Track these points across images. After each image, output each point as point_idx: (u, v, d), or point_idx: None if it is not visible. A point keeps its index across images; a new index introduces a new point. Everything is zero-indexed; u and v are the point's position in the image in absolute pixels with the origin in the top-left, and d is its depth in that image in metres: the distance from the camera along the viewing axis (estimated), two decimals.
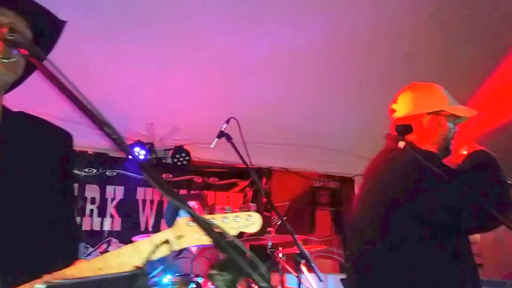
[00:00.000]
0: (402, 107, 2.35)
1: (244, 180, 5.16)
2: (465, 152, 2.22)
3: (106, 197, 4.93)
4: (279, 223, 5.09)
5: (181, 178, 5.19)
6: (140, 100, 4.32)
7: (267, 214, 5.06)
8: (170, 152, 4.85)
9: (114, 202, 4.99)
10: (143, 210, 5.08)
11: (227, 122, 3.52)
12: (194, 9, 3.68)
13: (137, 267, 1.29)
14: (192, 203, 3.92)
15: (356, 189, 5.77)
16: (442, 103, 2.29)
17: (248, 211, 1.37)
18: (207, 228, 1.02)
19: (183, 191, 5.11)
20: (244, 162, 3.26)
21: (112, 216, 4.93)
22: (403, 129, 2.24)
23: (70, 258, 1.44)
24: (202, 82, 4.25)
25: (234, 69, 4.20)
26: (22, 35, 1.29)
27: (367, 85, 4.75)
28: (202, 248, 3.59)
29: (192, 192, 4.56)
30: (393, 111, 2.38)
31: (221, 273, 1.07)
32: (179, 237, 1.33)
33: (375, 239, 2.15)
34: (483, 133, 5.02)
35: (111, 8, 3.51)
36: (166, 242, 1.33)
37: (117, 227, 4.96)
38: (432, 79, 4.64)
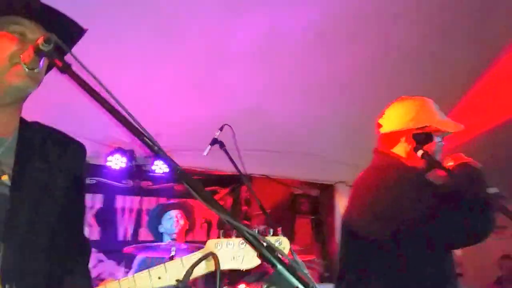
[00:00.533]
0: (389, 122, 2.37)
1: (224, 188, 5.14)
2: (450, 164, 2.24)
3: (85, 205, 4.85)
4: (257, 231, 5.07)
5: (161, 186, 5.13)
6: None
7: (247, 222, 5.04)
8: (151, 159, 4.79)
9: (93, 211, 4.92)
10: (122, 218, 5.02)
11: (221, 129, 3.54)
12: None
13: (179, 281, 1.35)
14: (175, 212, 3.90)
15: (336, 197, 5.80)
16: (430, 118, 2.30)
17: (276, 235, 1.37)
18: (256, 243, 1.07)
19: (162, 199, 5.06)
20: (239, 171, 3.30)
21: (90, 225, 4.86)
22: (423, 138, 2.28)
23: (82, 272, 1.55)
24: (184, 86, 4.22)
25: (215, 73, 4.18)
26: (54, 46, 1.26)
27: (349, 91, 4.78)
28: None
29: (175, 200, 4.52)
30: (380, 126, 2.40)
31: None
32: (209, 260, 1.34)
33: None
34: (471, 138, 5.14)
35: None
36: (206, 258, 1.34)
37: (96, 236, 4.88)
38: (419, 82, 4.73)
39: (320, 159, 5.36)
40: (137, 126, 1.22)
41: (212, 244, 1.38)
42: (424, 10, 4.26)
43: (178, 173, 1.18)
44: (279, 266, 1.04)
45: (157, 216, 3.98)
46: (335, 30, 4.16)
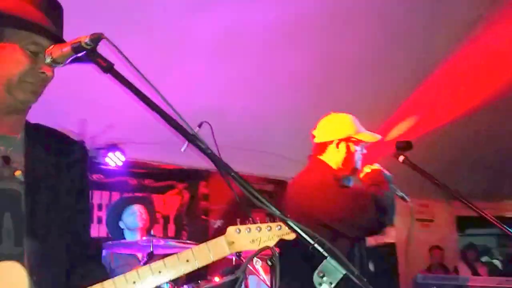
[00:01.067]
0: (320, 133, 2.90)
1: (181, 183, 5.09)
2: (367, 170, 2.89)
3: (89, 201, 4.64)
4: (216, 226, 5.10)
5: (114, 179, 4.98)
6: (72, 93, 4.09)
7: (205, 217, 5.05)
8: (102, 152, 4.64)
9: None
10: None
11: (199, 126, 3.52)
12: None
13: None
14: (138, 207, 3.79)
15: None
16: (351, 130, 2.85)
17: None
18: (310, 234, 1.28)
19: (115, 194, 4.91)
20: (219, 169, 3.33)
21: None
22: (403, 145, 2.79)
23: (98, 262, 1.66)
24: (141, 78, 4.12)
25: (173, 63, 4.11)
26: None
27: (303, 91, 4.89)
28: None
29: (139, 194, 4.43)
30: (314, 136, 2.94)
31: (327, 277, 1.20)
32: (231, 243, 1.55)
33: None
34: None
35: None
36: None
37: None
38: (362, 87, 4.91)
39: (274, 156, 5.45)
40: (186, 127, 1.33)
41: (232, 230, 1.57)
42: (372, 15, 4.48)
43: (231, 175, 1.36)
44: (329, 258, 1.24)
45: (117, 211, 3.85)
46: (289, 34, 4.26)
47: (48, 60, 1.37)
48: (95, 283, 1.42)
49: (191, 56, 4.14)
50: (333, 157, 2.83)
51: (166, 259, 1.49)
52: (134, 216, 3.76)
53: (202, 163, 5.24)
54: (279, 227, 1.58)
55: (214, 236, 4.52)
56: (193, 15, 3.90)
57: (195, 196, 4.98)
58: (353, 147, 2.84)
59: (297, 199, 2.72)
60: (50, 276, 1.44)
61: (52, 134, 1.65)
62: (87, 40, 1.31)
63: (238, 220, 1.63)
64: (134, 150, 4.65)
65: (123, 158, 4.48)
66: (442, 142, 6.35)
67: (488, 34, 4.78)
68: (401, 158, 2.61)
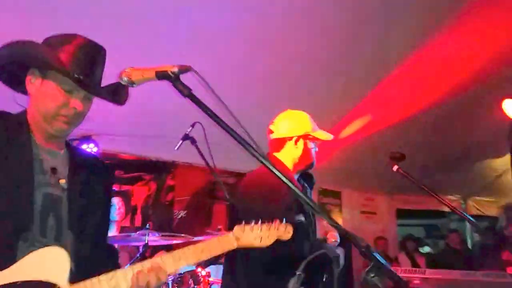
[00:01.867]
0: (278, 129, 2.90)
1: (148, 174, 5.23)
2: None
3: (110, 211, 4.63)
4: (180, 217, 5.27)
5: None
6: None
7: (169, 208, 5.21)
8: (75, 143, 4.73)
9: None
10: None
11: (192, 126, 3.73)
12: None
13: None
14: (117, 200, 3.89)
15: None
16: (308, 128, 2.88)
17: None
18: (357, 241, 1.52)
19: None
20: (209, 167, 3.57)
21: None
22: (398, 156, 2.95)
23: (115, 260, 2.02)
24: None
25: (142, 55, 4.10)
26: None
27: (262, 88, 5.08)
28: None
29: (116, 187, 4.52)
30: (271, 131, 2.92)
31: (377, 277, 1.42)
32: (237, 239, 1.84)
33: None
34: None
35: None
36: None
37: None
38: (319, 86, 5.15)
39: (236, 150, 5.62)
40: (258, 153, 1.60)
41: (238, 229, 1.86)
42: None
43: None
44: (379, 259, 1.49)
45: None
46: (249, 33, 4.43)
47: (124, 81, 1.61)
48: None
49: (161, 55, 4.20)
50: (291, 154, 2.86)
51: (186, 248, 1.76)
52: (113, 209, 3.87)
53: (169, 155, 5.42)
54: (277, 228, 1.91)
55: (178, 226, 4.84)
56: (163, 14, 4.03)
57: (162, 188, 5.13)
58: (309, 144, 2.90)
59: (251, 200, 2.67)
60: (84, 264, 1.71)
61: (85, 153, 2.04)
62: (175, 70, 1.56)
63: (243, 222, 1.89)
64: (106, 142, 4.75)
65: (96, 150, 4.59)
66: (390, 140, 6.80)
67: (439, 41, 5.15)
68: (395, 167, 2.82)
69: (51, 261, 1.61)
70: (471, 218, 3.19)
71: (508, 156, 8.83)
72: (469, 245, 10.69)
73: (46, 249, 1.63)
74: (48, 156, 1.77)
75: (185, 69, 1.56)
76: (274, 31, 4.52)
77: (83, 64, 1.77)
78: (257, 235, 1.88)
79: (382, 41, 5.14)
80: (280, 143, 2.86)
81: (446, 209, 10.89)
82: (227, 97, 4.90)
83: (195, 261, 1.80)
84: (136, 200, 4.99)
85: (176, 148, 3.84)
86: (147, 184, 5.23)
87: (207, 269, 3.73)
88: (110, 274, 1.63)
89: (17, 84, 1.87)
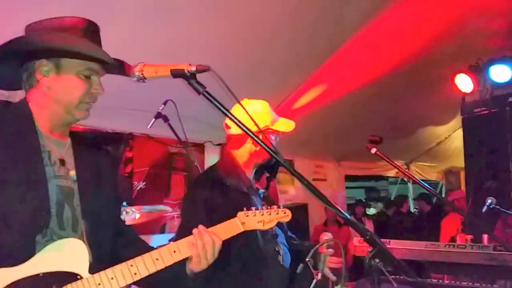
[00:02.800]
0: (235, 125, 2.77)
1: (106, 146, 5.16)
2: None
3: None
4: (139, 188, 5.28)
5: None
6: None
7: (128, 179, 5.21)
8: None
9: None
10: None
11: (164, 104, 3.71)
12: None
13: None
14: None
15: (206, 154, 6.27)
16: (268, 121, 2.72)
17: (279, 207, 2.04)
18: (362, 229, 1.69)
19: None
20: (181, 142, 3.62)
21: None
22: (376, 140, 2.98)
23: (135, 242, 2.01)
24: None
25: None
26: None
27: (219, 57, 5.08)
28: None
29: None
30: (228, 127, 2.72)
31: (381, 262, 1.57)
32: (242, 223, 1.97)
33: None
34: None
35: None
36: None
37: None
38: (275, 57, 5.19)
39: (193, 120, 5.67)
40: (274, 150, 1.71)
41: (242, 214, 1.98)
42: None
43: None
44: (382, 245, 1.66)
45: None
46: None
47: (135, 77, 1.65)
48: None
49: (120, 22, 4.09)
50: (249, 150, 2.69)
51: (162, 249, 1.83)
52: None
53: (126, 126, 5.37)
54: (276, 212, 2.01)
55: (137, 198, 4.89)
56: None
57: (120, 159, 5.10)
58: (269, 138, 2.69)
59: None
60: (102, 251, 1.78)
61: (89, 137, 1.99)
62: (193, 69, 1.60)
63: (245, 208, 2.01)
64: None
65: None
66: (339, 110, 7.03)
67: (392, 12, 5.34)
68: (373, 150, 2.88)
69: (70, 252, 1.65)
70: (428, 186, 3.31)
71: (450, 124, 9.37)
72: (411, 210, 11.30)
73: (64, 240, 1.66)
74: (55, 146, 1.77)
75: (203, 69, 1.59)
76: None
77: (96, 45, 1.76)
78: (260, 219, 1.98)
79: (336, 13, 5.25)
80: (238, 140, 2.68)
81: (389, 174, 11.43)
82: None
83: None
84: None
85: (149, 127, 3.87)
86: None
87: None
88: (130, 261, 1.72)
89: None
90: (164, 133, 5.66)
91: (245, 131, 1.70)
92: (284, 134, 3.20)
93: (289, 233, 2.92)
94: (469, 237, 4.71)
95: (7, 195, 1.60)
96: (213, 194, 2.52)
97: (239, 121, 1.68)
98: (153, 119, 3.87)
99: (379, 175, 11.97)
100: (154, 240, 5.35)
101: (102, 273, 1.67)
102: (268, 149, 1.73)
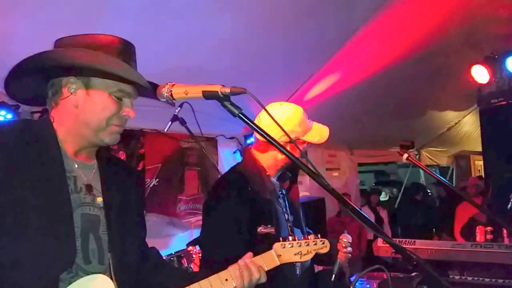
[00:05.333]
0: (266, 129, 2.59)
1: (117, 143, 5.08)
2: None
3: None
4: (152, 185, 5.21)
5: None
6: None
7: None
8: (37, 115, 4.48)
9: None
10: None
11: (180, 106, 3.63)
12: None
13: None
14: None
15: (219, 148, 6.21)
16: (299, 131, 2.55)
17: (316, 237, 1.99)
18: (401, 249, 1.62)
19: None
20: (195, 139, 3.56)
21: None
22: (407, 144, 3.05)
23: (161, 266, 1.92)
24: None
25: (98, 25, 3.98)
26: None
27: (232, 50, 5.00)
28: None
29: None
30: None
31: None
32: (279, 256, 1.90)
33: None
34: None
35: None
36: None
37: None
38: (287, 47, 5.11)
39: (205, 115, 5.60)
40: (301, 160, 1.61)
41: (278, 246, 1.91)
42: None
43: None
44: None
45: None
46: None
47: (164, 98, 1.52)
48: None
49: (117, 20, 3.98)
50: (275, 156, 2.55)
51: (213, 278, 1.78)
52: None
53: (137, 123, 5.28)
54: (314, 243, 1.95)
55: (150, 195, 4.81)
56: None
57: (132, 157, 5.02)
58: (300, 147, 2.40)
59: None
60: (129, 282, 1.68)
61: (115, 160, 1.91)
62: (227, 91, 1.48)
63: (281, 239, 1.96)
64: None
65: None
66: (351, 99, 6.95)
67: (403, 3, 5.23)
68: (405, 156, 2.83)
69: None
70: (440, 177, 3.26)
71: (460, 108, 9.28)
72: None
73: (90, 277, 1.55)
74: (80, 170, 1.66)
75: (239, 92, 1.48)
76: None
77: (132, 66, 1.64)
78: (297, 250, 1.92)
79: (348, 2, 5.14)
80: (265, 145, 2.53)
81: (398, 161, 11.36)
82: (201, 62, 4.70)
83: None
84: None
85: (165, 130, 3.80)
86: (117, 154, 5.10)
87: (197, 247, 3.75)
88: None
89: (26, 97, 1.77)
90: (176, 128, 5.61)
91: (276, 146, 1.57)
92: None
93: (307, 229, 2.82)
94: (489, 228, 4.67)
95: (29, 228, 1.47)
96: (238, 205, 2.38)
97: (273, 139, 1.56)
98: (170, 122, 3.78)
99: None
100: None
101: None
102: (295, 160, 1.62)
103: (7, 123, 1.63)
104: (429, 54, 6.35)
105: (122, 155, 5.13)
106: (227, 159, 6.24)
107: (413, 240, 3.49)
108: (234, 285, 1.73)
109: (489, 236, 4.55)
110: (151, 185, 5.18)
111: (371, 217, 8.62)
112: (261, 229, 2.37)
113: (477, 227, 4.72)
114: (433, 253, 3.29)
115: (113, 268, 1.63)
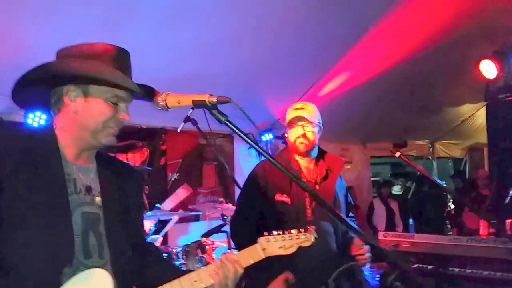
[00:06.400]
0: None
1: (141, 141, 5.42)
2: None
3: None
4: (173, 179, 5.54)
5: None
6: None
7: (163, 172, 5.46)
8: None
9: None
10: None
11: (193, 108, 3.80)
12: None
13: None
14: None
15: (235, 144, 6.49)
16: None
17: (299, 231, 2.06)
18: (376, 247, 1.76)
19: None
20: (207, 139, 3.76)
21: None
22: (399, 144, 3.15)
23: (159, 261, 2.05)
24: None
25: (123, 29, 4.18)
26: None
27: (245, 49, 5.21)
28: None
29: None
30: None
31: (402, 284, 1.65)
32: (263, 249, 1.98)
33: None
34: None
35: None
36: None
37: None
38: (300, 45, 5.25)
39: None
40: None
41: (263, 240, 2.00)
42: None
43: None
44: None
45: None
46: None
47: (159, 106, 1.73)
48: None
49: (140, 23, 4.25)
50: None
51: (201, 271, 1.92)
52: None
53: (158, 121, 5.58)
54: (297, 237, 2.02)
55: (171, 188, 5.14)
56: None
57: (154, 153, 5.35)
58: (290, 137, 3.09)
59: None
60: (127, 276, 1.83)
61: (115, 162, 2.03)
62: (214, 101, 1.69)
63: (266, 233, 2.05)
64: None
65: None
66: (364, 95, 7.12)
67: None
68: (397, 154, 3.06)
69: (95, 284, 1.66)
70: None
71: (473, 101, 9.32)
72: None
73: (89, 271, 1.68)
74: (80, 173, 1.78)
75: (224, 101, 1.68)
76: None
77: (125, 73, 1.77)
78: (281, 244, 2.00)
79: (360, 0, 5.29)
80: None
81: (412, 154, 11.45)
82: (220, 61, 4.85)
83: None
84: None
85: (178, 131, 4.01)
86: (141, 151, 5.43)
87: (211, 238, 4.05)
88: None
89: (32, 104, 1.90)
90: (194, 127, 5.89)
91: (256, 148, 1.87)
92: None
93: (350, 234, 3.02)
94: (493, 221, 4.86)
95: (31, 229, 1.61)
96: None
97: (257, 145, 1.85)
98: (182, 123, 4.01)
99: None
100: (191, 227, 5.66)
101: None
102: (280, 167, 1.81)
103: (13, 131, 1.82)
104: (442, 48, 6.44)
105: (146, 151, 5.47)
106: (242, 154, 6.51)
107: (412, 234, 3.72)
108: (205, 285, 1.82)
109: (491, 229, 4.76)
110: (172, 179, 5.51)
111: (382, 208, 8.81)
112: (280, 198, 2.90)
113: (480, 221, 4.93)
114: (430, 247, 3.52)
115: (111, 261, 1.77)
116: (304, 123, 3.03)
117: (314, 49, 5.64)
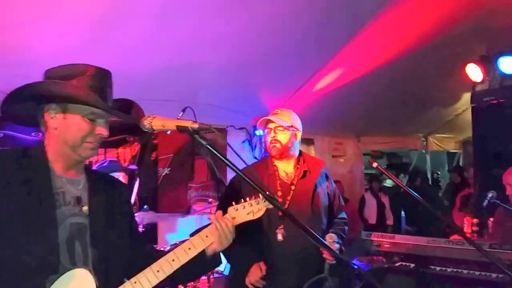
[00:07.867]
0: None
1: (131, 135, 5.39)
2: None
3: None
4: (164, 174, 5.56)
5: None
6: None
7: (153, 167, 5.47)
8: None
9: None
10: None
11: (183, 111, 3.81)
12: None
13: None
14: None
15: (228, 138, 6.50)
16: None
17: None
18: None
19: None
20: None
21: None
22: (377, 154, 3.26)
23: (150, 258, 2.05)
24: (79, 41, 4.09)
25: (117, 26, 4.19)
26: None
27: (239, 49, 5.22)
28: None
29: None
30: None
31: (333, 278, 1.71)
32: (233, 218, 2.10)
33: None
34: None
35: None
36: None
37: None
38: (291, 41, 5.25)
39: (216, 108, 5.86)
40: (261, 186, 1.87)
41: (232, 209, 2.12)
42: None
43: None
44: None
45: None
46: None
47: (145, 128, 1.86)
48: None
49: (133, 20, 4.25)
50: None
51: (194, 238, 2.05)
52: None
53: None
54: (263, 200, 2.11)
55: (162, 183, 5.16)
56: None
57: (145, 148, 5.36)
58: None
59: None
60: (109, 276, 1.91)
61: (103, 176, 2.17)
62: (196, 127, 1.79)
63: (234, 202, 2.17)
64: None
65: None
66: (357, 90, 7.14)
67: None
68: (375, 164, 3.09)
69: (78, 283, 1.78)
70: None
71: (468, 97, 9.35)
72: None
73: (71, 272, 1.79)
74: (70, 185, 1.91)
75: (205, 128, 1.77)
76: None
77: (103, 92, 1.89)
78: (249, 210, 2.11)
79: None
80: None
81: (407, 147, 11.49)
82: (213, 59, 4.85)
83: (205, 244, 2.06)
84: (121, 162, 5.22)
85: (168, 133, 3.98)
86: (131, 146, 5.44)
87: None
88: (133, 278, 1.89)
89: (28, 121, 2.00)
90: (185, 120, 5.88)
91: (229, 165, 1.86)
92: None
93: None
94: (475, 220, 4.99)
95: (19, 242, 1.73)
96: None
97: (240, 170, 1.85)
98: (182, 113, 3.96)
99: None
100: (181, 221, 5.69)
101: None
102: (252, 184, 1.89)
103: (7, 150, 2.03)
104: (436, 44, 6.49)
105: (136, 146, 5.48)
106: (236, 148, 6.50)
107: (392, 235, 3.81)
108: (198, 250, 1.99)
109: (475, 228, 4.89)
110: (163, 174, 5.53)
111: (373, 202, 8.88)
112: None
113: (465, 219, 5.04)
114: (410, 248, 3.62)
115: (93, 262, 1.87)
116: (275, 126, 3.21)
117: (309, 45, 5.66)
